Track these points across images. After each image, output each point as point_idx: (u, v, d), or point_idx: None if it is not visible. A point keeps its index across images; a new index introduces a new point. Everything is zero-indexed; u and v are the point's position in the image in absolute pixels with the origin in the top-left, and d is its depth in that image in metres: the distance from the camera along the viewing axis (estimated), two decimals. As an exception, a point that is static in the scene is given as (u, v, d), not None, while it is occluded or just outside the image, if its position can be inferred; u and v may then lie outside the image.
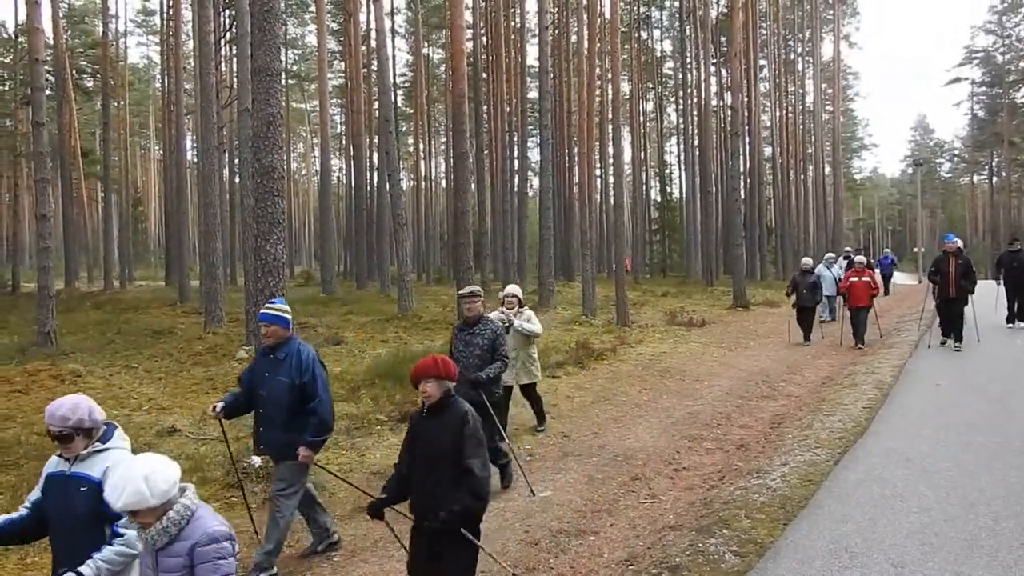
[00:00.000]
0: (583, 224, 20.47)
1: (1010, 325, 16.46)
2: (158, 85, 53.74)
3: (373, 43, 30.70)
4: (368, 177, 36.50)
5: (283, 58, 51.98)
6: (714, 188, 51.30)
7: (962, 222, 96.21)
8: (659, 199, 52.73)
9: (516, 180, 31.79)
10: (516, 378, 8.72)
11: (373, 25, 30.71)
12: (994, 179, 76.76)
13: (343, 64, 37.35)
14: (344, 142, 48.55)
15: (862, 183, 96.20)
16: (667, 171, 57.87)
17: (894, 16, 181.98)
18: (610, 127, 21.07)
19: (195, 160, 41.35)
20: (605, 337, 16.31)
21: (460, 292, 7.44)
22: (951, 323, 13.97)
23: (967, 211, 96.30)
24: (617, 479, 7.32)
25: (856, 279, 15.20)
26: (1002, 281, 16.67)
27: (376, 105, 31.15)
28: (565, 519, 6.31)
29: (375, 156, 36.18)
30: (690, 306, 23.36)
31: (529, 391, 9.03)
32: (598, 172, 44.43)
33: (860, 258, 16.02)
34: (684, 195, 43.06)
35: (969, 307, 14.08)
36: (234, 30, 16.90)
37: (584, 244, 20.09)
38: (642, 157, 53.17)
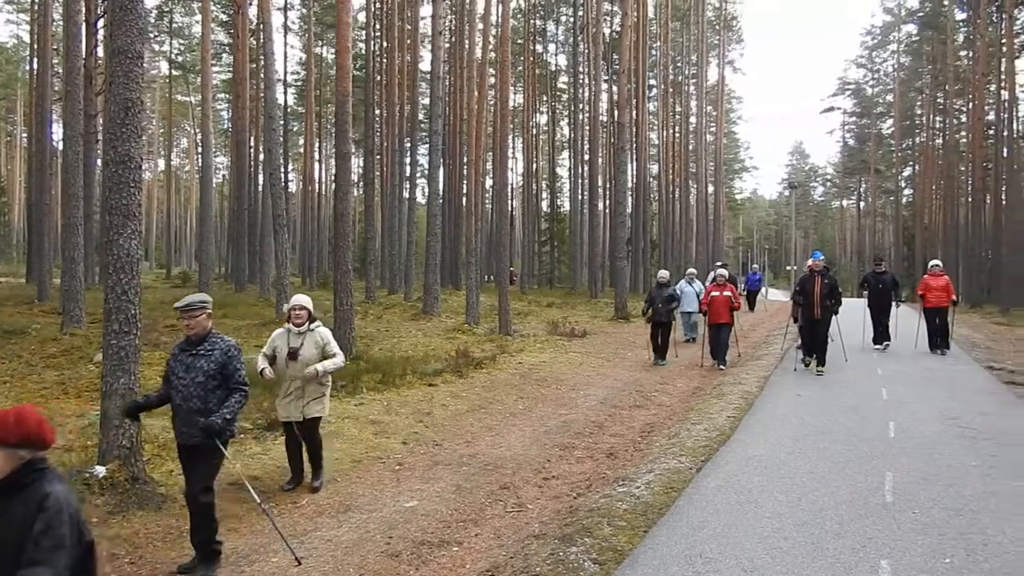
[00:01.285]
0: (469, 232, 20.44)
1: (877, 347, 16.42)
2: (29, 67, 50.70)
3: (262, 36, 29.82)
4: (252, 176, 35.45)
5: (168, 47, 50.07)
6: (602, 202, 52.34)
7: (832, 243, 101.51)
8: (549, 211, 53.49)
9: (407, 185, 31.43)
10: (301, 411, 6.98)
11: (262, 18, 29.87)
12: (861, 204, 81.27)
13: (232, 58, 36.21)
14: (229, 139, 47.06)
15: (742, 203, 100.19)
16: (558, 184, 58.74)
17: (777, 44, 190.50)
18: (498, 136, 21.06)
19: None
20: (486, 346, 16.26)
21: (177, 304, 5.55)
22: (815, 344, 13.52)
23: (837, 232, 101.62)
24: (486, 488, 7.24)
25: (716, 294, 14.44)
26: (868, 302, 16.72)
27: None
28: (429, 529, 6.17)
29: (262, 154, 35.21)
30: (573, 317, 23.62)
31: (310, 430, 7.08)
32: (490, 181, 44.57)
33: (721, 271, 15.12)
34: (574, 208, 43.73)
35: (834, 326, 13.76)
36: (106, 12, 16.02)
37: (469, 252, 20.05)
38: (534, 169, 53.83)
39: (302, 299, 7.22)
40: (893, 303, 16.52)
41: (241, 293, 26.44)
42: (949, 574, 4.82)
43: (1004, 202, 36.48)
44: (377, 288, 30.70)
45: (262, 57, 19.51)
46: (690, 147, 54.71)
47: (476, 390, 11.88)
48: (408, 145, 33.19)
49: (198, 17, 44.06)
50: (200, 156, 30.77)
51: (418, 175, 33.62)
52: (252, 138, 35.97)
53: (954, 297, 16.11)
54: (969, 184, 46.31)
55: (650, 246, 47.13)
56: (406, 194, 31.42)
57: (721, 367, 14.36)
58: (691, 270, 20.03)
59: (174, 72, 51.21)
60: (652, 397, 11.92)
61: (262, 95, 26.65)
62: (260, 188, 32.90)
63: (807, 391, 11.59)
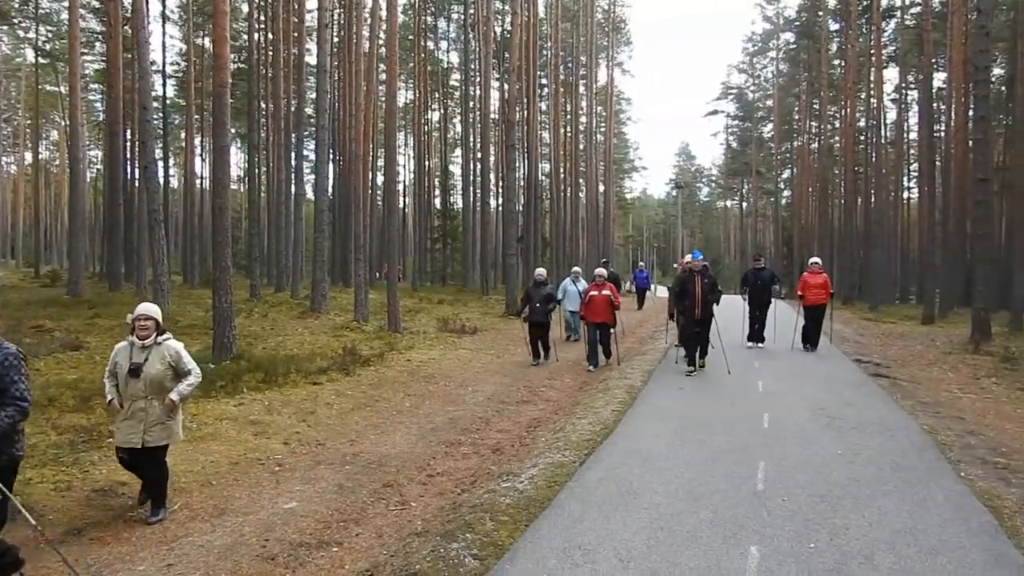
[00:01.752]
0: (357, 229, 20.13)
1: (750, 344, 16.59)
2: None
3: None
4: (128, 170, 33.93)
5: (33, 34, 47.25)
6: (494, 200, 52.47)
7: (717, 241, 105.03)
8: (441, 208, 53.32)
9: (294, 181, 30.74)
10: (141, 437, 6.09)
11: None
12: (744, 204, 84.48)
13: (105, 46, 34.50)
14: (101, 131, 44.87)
15: (632, 202, 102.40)
16: (451, 181, 58.62)
17: (665, 48, 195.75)
18: (387, 131, 20.82)
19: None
20: (375, 343, 16.07)
21: None
22: (696, 344, 13.22)
23: (722, 232, 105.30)
24: (369, 487, 7.14)
25: (595, 293, 14.03)
26: (746, 298, 16.72)
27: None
28: (308, 531, 6.03)
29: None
30: (464, 314, 23.63)
31: (151, 459, 6.19)
32: (381, 178, 44.08)
33: (600, 270, 14.62)
34: (467, 205, 43.71)
35: (714, 325, 13.58)
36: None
37: (358, 249, 19.76)
38: (426, 166, 53.56)
39: (148, 308, 6.32)
40: (772, 299, 16.78)
41: (116, 292, 25.22)
42: (813, 557, 5.04)
43: (872, 204, 38.57)
44: (264, 286, 29.94)
45: (137, 46, 18.65)
46: (581, 147, 55.58)
47: (362, 388, 11.72)
48: (295, 140, 32.50)
49: (67, 3, 41.94)
50: (69, 149, 29.16)
51: (307, 171, 32.99)
52: (128, 131, 34.42)
53: (832, 291, 16.48)
54: (842, 186, 48.82)
55: (542, 244, 47.62)
56: (293, 189, 30.75)
57: (591, 368, 13.87)
58: (575, 268, 19.72)
59: (42, 60, 48.37)
60: (540, 393, 12.02)
61: (138, 86, 25.54)
62: (137, 182, 31.53)
63: (688, 385, 11.95)
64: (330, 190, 37.48)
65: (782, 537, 5.37)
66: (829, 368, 13.87)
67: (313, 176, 24.94)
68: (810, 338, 16.28)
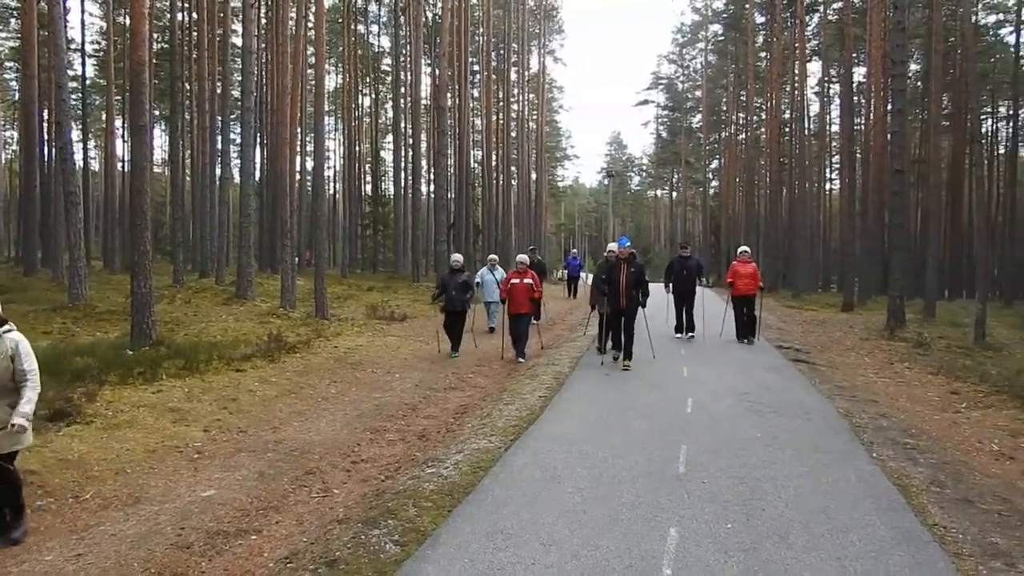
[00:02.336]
0: (284, 214, 19.76)
1: (678, 335, 16.19)
2: None
3: None
4: (44, 151, 32.65)
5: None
6: (426, 186, 52.10)
7: (648, 230, 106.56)
8: (372, 194, 52.75)
9: (220, 164, 29.95)
10: None
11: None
12: (674, 193, 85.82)
13: (20, 23, 33.03)
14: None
15: (564, 190, 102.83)
16: (382, 167, 58.03)
17: (597, 36, 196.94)
18: (316, 114, 20.46)
19: None
20: (301, 330, 15.85)
21: None
22: (619, 335, 12.57)
23: (652, 220, 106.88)
24: (290, 474, 7.03)
25: (516, 281, 13.64)
26: (670, 288, 16.19)
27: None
28: (226, 519, 5.90)
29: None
30: (394, 301, 23.47)
31: (4, 467, 5.40)
32: (310, 163, 43.34)
33: (522, 256, 14.52)
34: (398, 192, 43.36)
35: (640, 315, 12.94)
36: None
37: (284, 234, 19.40)
38: (357, 151, 52.86)
39: None
40: (698, 287, 16.42)
41: (31, 277, 24.29)
42: (730, 538, 5.14)
43: (796, 194, 39.55)
44: (188, 272, 29.20)
45: (52, 22, 17.89)
46: (513, 134, 55.60)
47: (287, 375, 11.54)
48: (221, 123, 31.69)
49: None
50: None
51: (234, 154, 32.26)
52: (45, 111, 33.10)
53: (761, 284, 15.99)
54: (767, 177, 49.97)
55: (474, 231, 47.56)
56: (219, 173, 30.01)
57: (520, 359, 13.45)
58: (492, 256, 19.36)
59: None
60: (468, 379, 12.04)
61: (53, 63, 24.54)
62: (54, 164, 30.35)
63: (614, 371, 12.08)
64: (257, 174, 36.73)
65: (701, 519, 5.47)
66: (752, 355, 14.16)
67: (239, 160, 24.32)
68: (745, 330, 15.66)
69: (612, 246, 13.41)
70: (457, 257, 15.13)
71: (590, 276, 38.95)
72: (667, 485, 6.23)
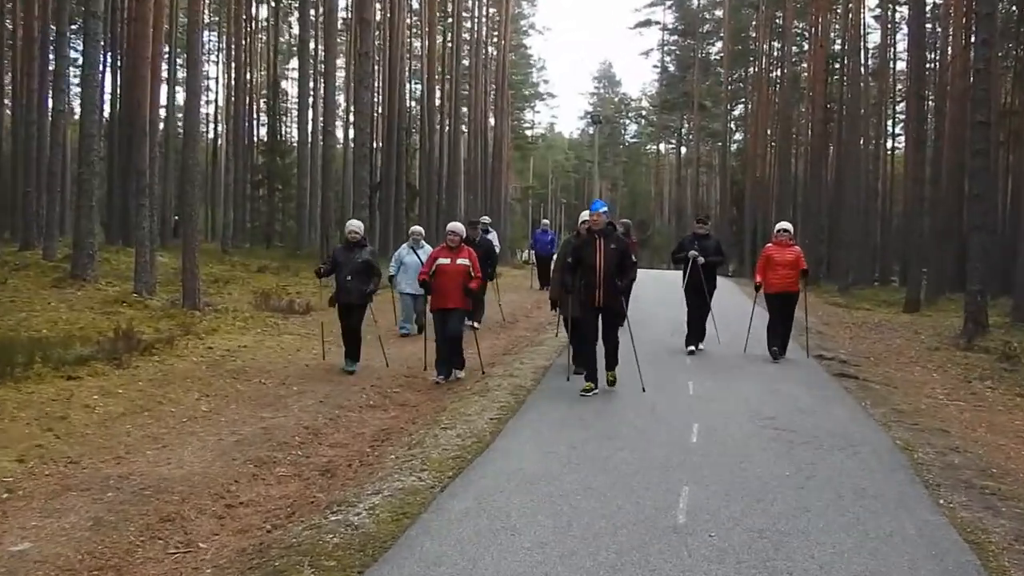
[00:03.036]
0: (141, 163, 19.47)
1: (691, 348, 15.53)
2: None
3: None
4: None
5: None
6: (343, 132, 51.75)
7: (647, 199, 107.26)
8: (268, 140, 52.34)
9: (52, 91, 29.40)
10: None
11: None
12: (682, 149, 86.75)
13: None
14: None
15: (534, 141, 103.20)
16: (283, 103, 57.60)
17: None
18: (189, 26, 20.13)
19: None
20: (163, 324, 15.77)
21: None
22: (594, 347, 11.68)
23: (653, 185, 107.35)
24: (140, 521, 6.91)
25: (445, 261, 12.65)
26: (684, 279, 15.65)
27: None
28: (45, 583, 5.79)
29: None
30: (295, 286, 23.42)
31: None
32: (182, 96, 42.85)
33: (454, 225, 13.49)
34: (304, 138, 43.03)
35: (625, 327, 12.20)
36: None
37: (141, 192, 19.14)
38: (249, 81, 52.40)
39: None
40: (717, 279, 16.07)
41: None
42: (744, 610, 5.15)
43: (846, 153, 40.00)
44: (6, 242, 28.75)
45: None
46: (465, 62, 55.55)
47: (140, 385, 11.43)
48: (56, 34, 31.09)
49: None
50: None
51: (74, 79, 31.78)
52: None
53: (806, 268, 15.26)
54: (809, 129, 50.52)
55: (408, 194, 47.52)
56: (51, 105, 29.44)
57: (439, 379, 12.76)
58: (416, 229, 18.42)
59: None
60: (393, 394, 12.06)
61: None
62: None
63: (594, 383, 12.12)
64: (106, 108, 36.21)
65: (706, 585, 5.48)
66: (781, 366, 14.30)
67: (80, 87, 23.93)
68: (778, 341, 15.04)
69: (584, 215, 12.52)
70: (355, 225, 14.02)
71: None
72: (661, 539, 6.23)
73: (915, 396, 12.67)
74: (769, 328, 15.12)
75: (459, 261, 12.69)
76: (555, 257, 17.94)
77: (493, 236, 21.27)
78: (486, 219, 22.78)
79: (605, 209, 11.78)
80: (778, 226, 15.99)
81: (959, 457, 8.90)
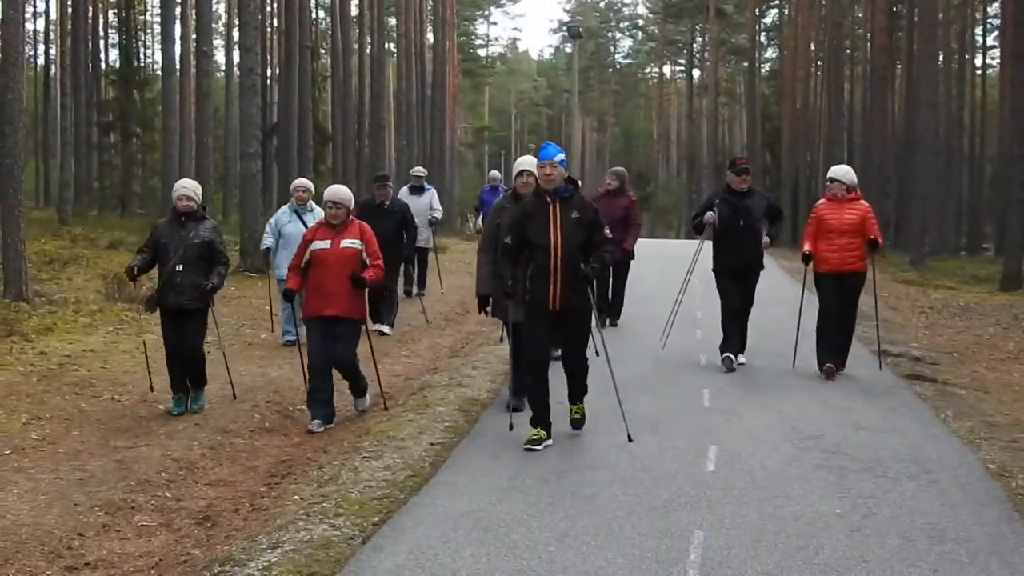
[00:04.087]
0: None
1: (727, 357, 14.14)
2: None
3: None
4: None
5: None
6: (225, 55, 51.39)
7: (646, 142, 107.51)
8: (120, 68, 52.03)
9: None
10: None
11: None
12: (695, 72, 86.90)
13: None
14: None
15: (490, 64, 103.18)
16: (139, 16, 57.12)
17: None
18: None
19: None
20: (-25, 322, 15.71)
21: None
22: (543, 371, 10.21)
23: (656, 124, 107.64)
24: (-54, 592, 6.92)
25: (323, 245, 11.42)
26: (698, 254, 15.04)
27: None
28: None
29: None
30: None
31: None
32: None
33: (336, 189, 11.95)
34: (170, 64, 42.63)
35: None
36: None
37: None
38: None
39: None
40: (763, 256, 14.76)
41: None
42: None
43: (918, 76, 40.20)
44: None
45: None
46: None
47: (151, 336, 11.46)
48: None
49: None
50: None
51: None
52: None
53: (877, 238, 13.66)
54: (868, 42, 50.75)
55: (317, 139, 47.35)
56: None
57: (313, 428, 11.34)
58: (301, 183, 17.40)
59: None
60: (296, 415, 12.18)
61: None
62: None
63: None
64: None
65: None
66: (805, 334, 14.34)
67: None
68: (837, 342, 13.89)
69: (523, 163, 11.53)
70: (187, 187, 12.29)
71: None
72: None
73: (1015, 404, 12.81)
74: (820, 328, 13.92)
75: (344, 243, 11.42)
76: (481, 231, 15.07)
77: (431, 195, 20.92)
78: (420, 171, 22.55)
79: (561, 157, 10.10)
80: (831, 172, 14.48)
81: (1073, 486, 9.01)
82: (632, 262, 17.43)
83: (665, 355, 14.72)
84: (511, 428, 10.41)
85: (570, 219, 9.89)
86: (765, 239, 14.20)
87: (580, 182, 10.78)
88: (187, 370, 12.03)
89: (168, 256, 11.63)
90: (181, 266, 11.59)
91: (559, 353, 10.76)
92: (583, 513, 7.90)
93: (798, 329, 14.36)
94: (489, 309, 11.64)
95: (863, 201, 13.93)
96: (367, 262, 11.43)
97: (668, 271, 19.05)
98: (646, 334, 16.06)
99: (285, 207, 16.99)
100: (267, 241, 16.49)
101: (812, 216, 14.14)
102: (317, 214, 15.38)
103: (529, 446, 9.68)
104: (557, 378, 10.33)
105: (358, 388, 12.02)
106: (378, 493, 8.35)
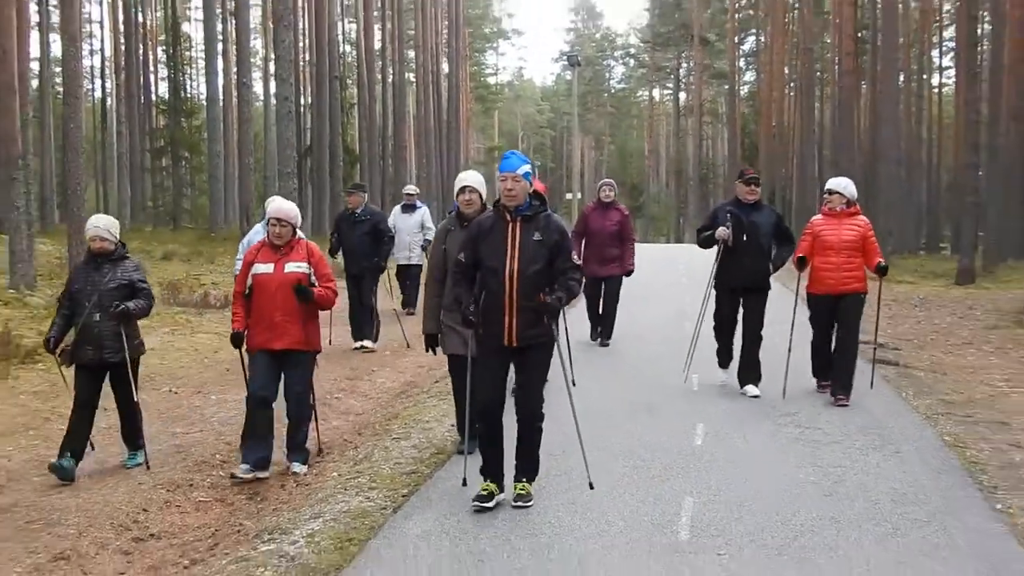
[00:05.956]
0: (11, 125, 19.36)
1: (747, 389, 11.97)
2: None
3: None
4: None
5: None
6: (263, 85, 51.49)
7: (639, 158, 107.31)
8: (170, 98, 52.07)
9: None
10: None
11: None
12: (681, 95, 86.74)
13: None
14: None
15: (499, 91, 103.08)
16: (187, 52, 57.18)
17: None
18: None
19: None
20: (47, 325, 15.63)
21: None
22: (496, 418, 7.77)
23: (647, 141, 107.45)
24: (26, 561, 7.02)
25: (265, 269, 9.17)
26: (714, 271, 12.33)
27: None
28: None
29: None
30: (209, 275, 23.45)
31: None
32: (58, 45, 42.56)
33: (278, 206, 9.61)
34: (213, 93, 42.74)
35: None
36: None
37: (13, 162, 19.06)
38: (142, 24, 52.11)
39: None
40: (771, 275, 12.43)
41: None
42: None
43: (882, 94, 40.16)
44: None
45: None
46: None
47: (22, 400, 11.53)
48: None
49: None
50: None
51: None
52: None
53: (882, 262, 11.77)
54: (836, 65, 50.69)
55: (346, 159, 47.41)
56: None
57: (242, 475, 8.81)
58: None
59: None
60: (334, 401, 12.21)
61: None
62: None
63: (584, 372, 12.22)
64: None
65: (716, 613, 5.63)
66: (802, 351, 14.10)
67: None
68: (834, 370, 11.79)
69: (466, 178, 9.29)
70: (99, 225, 9.71)
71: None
72: (662, 559, 6.37)
73: (968, 384, 12.82)
74: (815, 350, 12.05)
75: (289, 267, 9.11)
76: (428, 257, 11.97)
77: (423, 213, 19.40)
78: (412, 189, 20.81)
79: (526, 170, 7.73)
80: (830, 184, 12.17)
81: (1021, 454, 9.08)
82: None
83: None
84: (464, 482, 7.92)
85: (530, 241, 7.57)
86: (780, 253, 12.04)
87: (541, 195, 8.00)
88: (122, 426, 9.75)
89: (83, 304, 9.31)
90: (98, 315, 9.26)
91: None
92: (583, 481, 7.96)
93: (789, 355, 11.82)
94: (438, 348, 9.13)
95: (863, 216, 11.78)
96: (311, 283, 9.12)
97: (660, 277, 19.02)
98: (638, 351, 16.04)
99: (259, 225, 13.63)
100: (238, 266, 11.58)
101: (807, 231, 11.89)
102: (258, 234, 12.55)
103: (478, 503, 7.38)
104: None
105: (296, 440, 9.32)
106: (407, 468, 8.49)
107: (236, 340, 9.23)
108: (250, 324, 9.13)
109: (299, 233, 9.43)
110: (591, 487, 7.71)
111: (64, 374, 9.90)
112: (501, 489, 7.58)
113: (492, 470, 7.61)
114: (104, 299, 9.17)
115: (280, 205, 9.50)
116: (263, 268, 9.02)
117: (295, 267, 9.01)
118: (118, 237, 9.62)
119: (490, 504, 7.37)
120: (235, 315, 9.24)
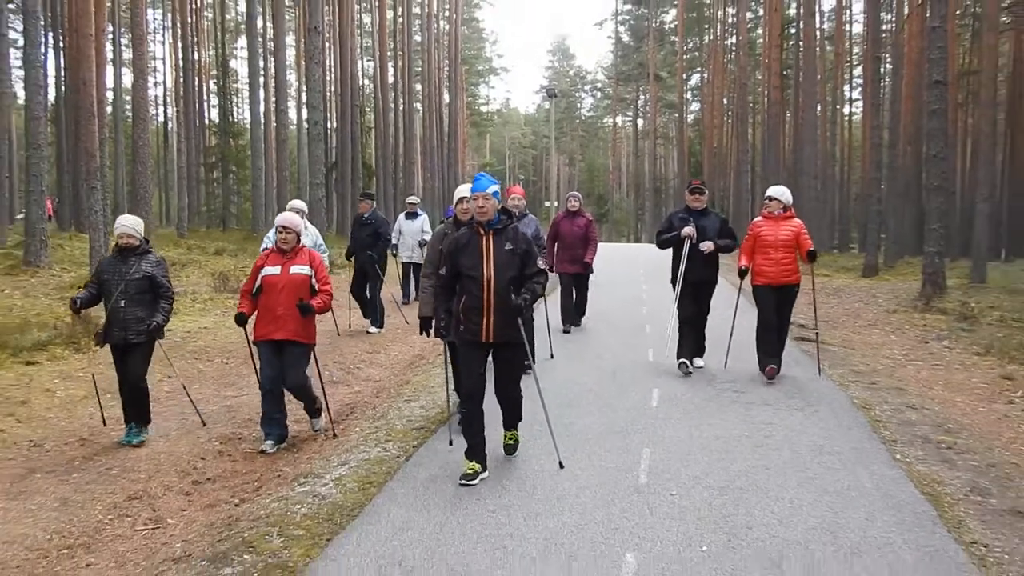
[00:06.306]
0: (90, 144, 19.34)
1: (684, 365, 11.51)
2: None
3: None
4: None
5: None
6: (296, 112, 51.44)
7: (604, 173, 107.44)
8: (219, 122, 51.91)
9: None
10: None
11: None
12: (639, 121, 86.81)
13: None
14: None
15: (490, 117, 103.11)
16: (234, 84, 57.00)
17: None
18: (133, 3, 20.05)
19: None
20: (121, 308, 15.69)
21: None
22: (478, 402, 7.48)
23: (611, 159, 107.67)
24: (106, 500, 7.01)
25: (275, 271, 8.79)
26: (680, 273, 11.76)
27: None
28: (14, 563, 5.86)
29: None
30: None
31: None
32: (129, 77, 42.43)
33: (286, 216, 9.21)
34: (256, 119, 42.71)
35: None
36: None
37: (92, 174, 19.04)
38: (197, 61, 51.93)
39: None
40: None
41: None
42: (704, 564, 5.33)
43: (803, 120, 40.30)
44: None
45: None
46: (416, 37, 55.31)
47: (100, 368, 11.41)
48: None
49: None
50: None
51: (16, 60, 31.35)
52: None
53: (813, 249, 11.29)
54: (765, 97, 50.83)
55: (365, 173, 47.40)
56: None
57: (268, 449, 8.58)
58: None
59: None
60: (356, 370, 12.28)
61: None
62: None
63: (563, 350, 12.28)
64: (51, 91, 35.80)
65: (667, 541, 5.66)
66: (739, 331, 14.09)
67: (23, 68, 23.73)
68: (773, 351, 11.45)
69: (464, 190, 8.83)
70: (126, 223, 9.33)
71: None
72: (624, 498, 6.42)
73: (873, 357, 13.00)
74: (759, 337, 11.57)
75: (294, 269, 8.89)
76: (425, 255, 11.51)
77: (423, 220, 18.96)
78: (413, 199, 20.30)
79: (495, 189, 7.51)
80: (770, 191, 11.91)
81: (915, 414, 9.18)
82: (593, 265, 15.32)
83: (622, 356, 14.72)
84: (450, 443, 8.05)
85: (503, 251, 7.47)
86: (708, 243, 11.43)
87: (511, 213, 7.77)
88: (131, 402, 9.05)
89: (111, 292, 8.95)
90: (124, 301, 8.91)
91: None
92: (564, 437, 7.99)
93: (731, 336, 12.17)
94: (431, 331, 8.47)
95: (797, 219, 11.65)
96: (316, 288, 8.93)
97: (622, 269, 19.08)
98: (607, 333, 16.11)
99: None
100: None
101: (749, 233, 11.63)
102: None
103: (464, 481, 7.02)
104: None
105: (312, 410, 9.29)
106: (417, 425, 8.60)
107: (240, 319, 8.92)
108: (257, 317, 8.91)
109: (302, 241, 9.31)
110: (561, 466, 7.31)
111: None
112: (484, 468, 7.23)
113: (476, 454, 7.28)
114: (130, 288, 8.89)
115: (287, 216, 9.31)
116: (272, 270, 8.81)
117: (299, 269, 8.84)
118: (142, 234, 9.41)
119: (475, 482, 7.03)
120: (242, 303, 8.96)
